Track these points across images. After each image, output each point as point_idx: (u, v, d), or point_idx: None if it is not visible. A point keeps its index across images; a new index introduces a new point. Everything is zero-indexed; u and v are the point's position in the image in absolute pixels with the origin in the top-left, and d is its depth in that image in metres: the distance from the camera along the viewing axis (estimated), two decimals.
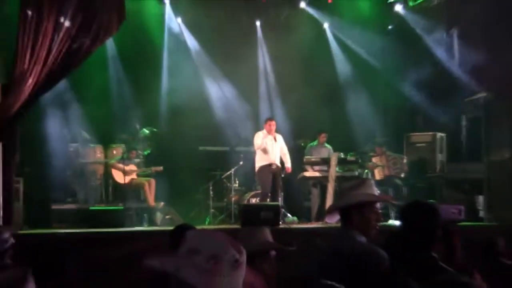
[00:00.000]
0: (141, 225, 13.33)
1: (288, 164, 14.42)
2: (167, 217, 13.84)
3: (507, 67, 13.32)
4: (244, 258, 2.47)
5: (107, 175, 14.43)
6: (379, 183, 14.38)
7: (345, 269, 4.05)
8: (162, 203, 14.14)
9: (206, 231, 2.62)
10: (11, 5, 11.98)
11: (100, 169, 14.49)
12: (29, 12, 11.57)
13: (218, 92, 17.03)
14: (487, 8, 13.48)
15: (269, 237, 4.59)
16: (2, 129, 11.15)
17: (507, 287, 5.81)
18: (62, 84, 13.11)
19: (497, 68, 13.34)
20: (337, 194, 12.92)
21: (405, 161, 15.26)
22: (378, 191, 4.84)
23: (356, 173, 14.42)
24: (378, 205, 4.64)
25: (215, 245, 2.43)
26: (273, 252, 4.60)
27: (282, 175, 14.34)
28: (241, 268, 2.45)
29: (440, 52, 15.02)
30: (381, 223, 13.59)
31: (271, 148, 13.97)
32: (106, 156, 14.55)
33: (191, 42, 17.08)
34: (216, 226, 13.38)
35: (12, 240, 6.15)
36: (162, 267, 2.41)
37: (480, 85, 13.87)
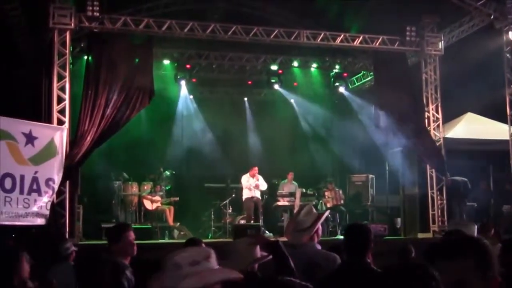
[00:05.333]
0: (163, 238, 13.21)
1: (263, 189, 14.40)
2: (182, 233, 13.63)
3: (411, 130, 13.55)
4: (212, 255, 2.45)
5: (140, 203, 14.33)
6: (330, 210, 14.24)
7: (314, 265, 4.13)
8: (178, 223, 14.00)
9: (177, 251, 2.50)
10: (78, 87, 12.07)
11: (135, 199, 14.42)
12: (89, 92, 11.77)
13: (217, 144, 17.03)
14: (398, 89, 13.76)
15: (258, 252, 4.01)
16: (69, 172, 11.23)
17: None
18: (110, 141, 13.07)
19: (407, 131, 13.53)
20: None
21: (341, 193, 15.19)
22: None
23: (314, 202, 14.20)
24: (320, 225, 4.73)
25: (189, 256, 2.40)
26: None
27: (262, 204, 14.38)
28: (212, 261, 2.43)
29: (369, 119, 15.02)
30: (331, 237, 13.61)
31: (253, 187, 13.98)
32: (139, 190, 14.46)
33: (199, 110, 17.17)
34: (215, 240, 13.23)
35: (73, 248, 5.94)
36: (163, 285, 2.33)
37: (397, 142, 14.04)
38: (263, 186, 14.11)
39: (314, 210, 4.77)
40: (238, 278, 2.48)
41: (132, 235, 4.71)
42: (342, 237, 10.86)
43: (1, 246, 6.12)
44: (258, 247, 4.09)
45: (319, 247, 4.56)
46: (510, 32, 13.19)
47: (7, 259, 3.72)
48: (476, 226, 5.64)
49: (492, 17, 13.16)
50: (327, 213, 5.73)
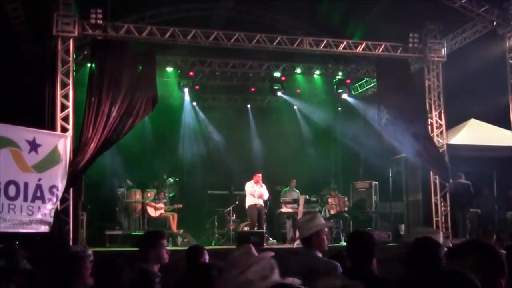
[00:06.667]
0: (166, 245, 13.17)
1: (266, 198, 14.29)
2: (185, 240, 13.60)
3: (414, 137, 13.50)
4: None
5: (143, 211, 14.32)
6: (333, 217, 14.26)
7: (314, 272, 4.06)
8: (181, 230, 13.96)
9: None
10: (81, 94, 12.08)
11: (139, 206, 14.42)
12: (93, 99, 11.80)
13: (220, 151, 17.08)
14: (401, 96, 13.73)
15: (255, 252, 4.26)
16: (73, 179, 11.24)
17: None
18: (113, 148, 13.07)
19: (410, 137, 13.49)
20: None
21: (346, 200, 15.13)
22: (323, 221, 4.84)
23: (317, 209, 14.06)
24: (327, 230, 4.70)
25: (256, 272, 2.61)
26: None
27: (265, 211, 14.34)
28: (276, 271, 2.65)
29: (372, 126, 14.79)
30: (335, 244, 13.58)
31: (257, 194, 13.88)
32: (143, 197, 14.46)
33: (202, 117, 17.22)
34: (218, 247, 13.24)
35: (92, 257, 5.68)
36: None
37: (400, 148, 14.00)
38: (266, 195, 14.08)
39: (317, 220, 4.75)
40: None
41: (162, 243, 4.72)
42: (345, 243, 10.85)
43: (64, 249, 5.98)
44: (253, 248, 4.13)
45: (320, 254, 4.56)
46: None
47: (73, 262, 3.66)
48: (441, 233, 5.61)
49: (494, 24, 13.20)
50: (330, 223, 5.72)
